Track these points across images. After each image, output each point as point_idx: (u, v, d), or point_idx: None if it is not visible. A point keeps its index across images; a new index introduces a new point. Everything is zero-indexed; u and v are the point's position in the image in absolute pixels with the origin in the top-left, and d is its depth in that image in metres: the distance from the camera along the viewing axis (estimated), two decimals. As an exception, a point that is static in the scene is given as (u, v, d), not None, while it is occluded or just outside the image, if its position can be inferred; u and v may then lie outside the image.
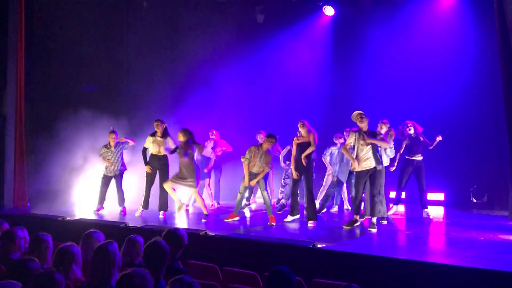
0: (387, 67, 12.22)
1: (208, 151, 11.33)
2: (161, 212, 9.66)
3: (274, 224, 8.63)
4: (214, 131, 11.51)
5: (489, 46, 10.25)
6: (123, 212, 10.12)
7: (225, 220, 8.98)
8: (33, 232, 5.21)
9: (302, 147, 8.82)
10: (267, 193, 9.39)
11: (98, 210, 10.26)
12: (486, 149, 11.06)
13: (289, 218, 9.00)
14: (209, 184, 11.54)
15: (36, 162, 11.67)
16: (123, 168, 10.45)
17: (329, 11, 13.16)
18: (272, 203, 10.61)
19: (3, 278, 4.06)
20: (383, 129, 9.02)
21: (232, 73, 13.27)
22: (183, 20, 13.27)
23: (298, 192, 9.21)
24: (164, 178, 9.72)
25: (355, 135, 8.18)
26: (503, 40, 7.83)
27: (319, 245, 6.46)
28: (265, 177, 9.87)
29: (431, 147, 9.61)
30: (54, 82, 12.03)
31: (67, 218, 8.96)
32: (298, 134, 9.15)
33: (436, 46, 11.64)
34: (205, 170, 11.21)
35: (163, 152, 9.75)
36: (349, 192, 10.70)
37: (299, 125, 8.94)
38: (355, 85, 12.80)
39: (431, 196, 11.57)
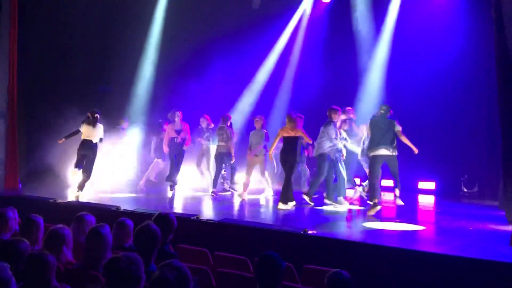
0: (381, 55, 12.19)
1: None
2: None
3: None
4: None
5: (483, 35, 10.21)
6: None
7: None
8: (24, 214, 5.19)
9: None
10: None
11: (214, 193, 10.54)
12: (477, 139, 11.09)
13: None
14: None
15: (29, 144, 11.59)
16: None
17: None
18: None
19: (-8, 258, 4.04)
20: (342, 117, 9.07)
21: (227, 59, 13.20)
22: (176, 7, 13.20)
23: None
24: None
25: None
26: (498, 30, 7.78)
27: (309, 232, 6.49)
28: None
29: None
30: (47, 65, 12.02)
31: (59, 200, 8.94)
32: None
33: (430, 35, 11.60)
34: None
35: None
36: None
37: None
38: (350, 72, 12.77)
39: (422, 185, 11.65)
